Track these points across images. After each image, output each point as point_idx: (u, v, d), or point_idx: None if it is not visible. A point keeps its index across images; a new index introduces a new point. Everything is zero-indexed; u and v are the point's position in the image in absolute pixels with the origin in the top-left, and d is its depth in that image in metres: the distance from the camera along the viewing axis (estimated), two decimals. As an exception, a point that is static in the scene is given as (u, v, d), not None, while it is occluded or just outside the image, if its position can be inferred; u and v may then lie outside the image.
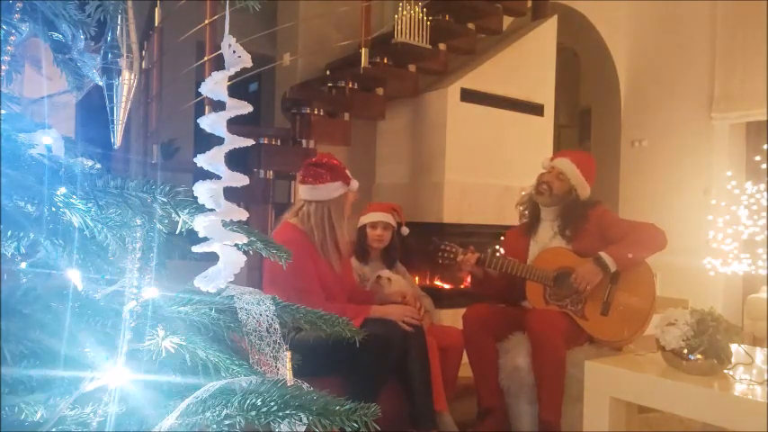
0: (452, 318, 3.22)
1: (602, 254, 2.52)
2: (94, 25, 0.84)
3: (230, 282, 0.80)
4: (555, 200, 2.73)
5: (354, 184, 2.40)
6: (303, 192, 2.36)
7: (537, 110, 4.40)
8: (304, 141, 3.58)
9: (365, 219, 2.86)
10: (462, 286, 3.66)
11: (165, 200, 0.72)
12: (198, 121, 0.81)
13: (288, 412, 0.64)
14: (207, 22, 3.32)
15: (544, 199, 2.74)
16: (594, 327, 2.57)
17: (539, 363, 2.49)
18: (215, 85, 0.79)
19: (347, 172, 2.39)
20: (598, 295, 2.57)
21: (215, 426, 0.66)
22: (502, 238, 3.17)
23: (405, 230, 2.90)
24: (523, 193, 2.89)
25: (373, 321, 2.28)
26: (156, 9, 3.54)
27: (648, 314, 2.54)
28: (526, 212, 2.86)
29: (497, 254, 2.97)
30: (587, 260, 2.55)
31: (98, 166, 0.83)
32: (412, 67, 4.00)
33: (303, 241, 2.31)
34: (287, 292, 2.11)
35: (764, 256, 4.63)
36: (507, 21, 4.56)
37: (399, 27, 3.72)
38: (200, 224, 0.75)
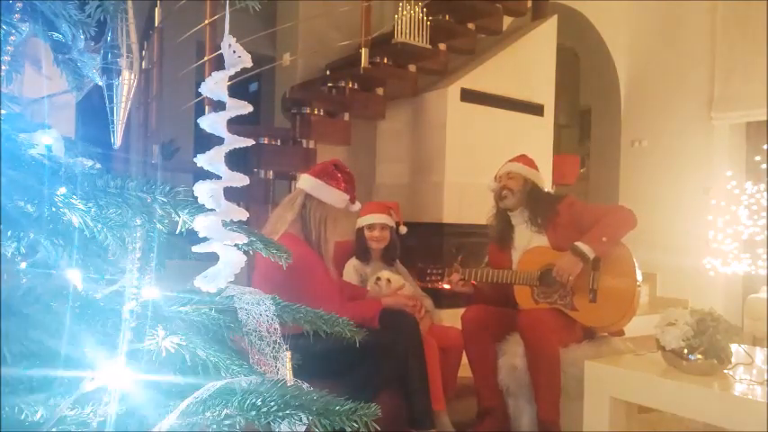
0: (452, 318, 3.22)
1: (578, 243, 2.54)
2: (94, 25, 0.84)
3: (230, 282, 0.80)
4: (518, 197, 2.77)
5: (357, 206, 2.42)
6: (313, 187, 2.34)
7: (537, 110, 4.40)
8: (304, 141, 3.58)
9: (362, 221, 2.85)
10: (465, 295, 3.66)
11: (165, 200, 0.72)
12: (198, 121, 0.81)
13: (288, 412, 0.64)
14: (207, 22, 3.32)
15: (510, 201, 2.78)
16: (587, 316, 2.59)
17: (533, 363, 2.49)
18: (215, 85, 0.79)
19: (355, 191, 2.41)
20: (584, 284, 2.58)
21: (215, 426, 0.66)
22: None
23: (403, 230, 2.90)
24: (490, 215, 2.92)
25: (384, 314, 2.34)
26: (156, 9, 3.54)
27: (635, 292, 2.56)
28: (497, 228, 2.88)
29: (485, 261, 3.00)
30: (565, 253, 2.56)
31: (98, 166, 0.83)
32: (412, 67, 4.00)
33: (311, 254, 2.28)
34: (310, 304, 2.15)
35: (764, 256, 4.63)
36: (507, 21, 4.56)
37: (399, 27, 3.72)
38: (200, 224, 0.75)
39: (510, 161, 2.90)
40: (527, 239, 2.77)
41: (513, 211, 2.80)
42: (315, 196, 2.32)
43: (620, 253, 2.61)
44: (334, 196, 2.32)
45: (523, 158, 2.90)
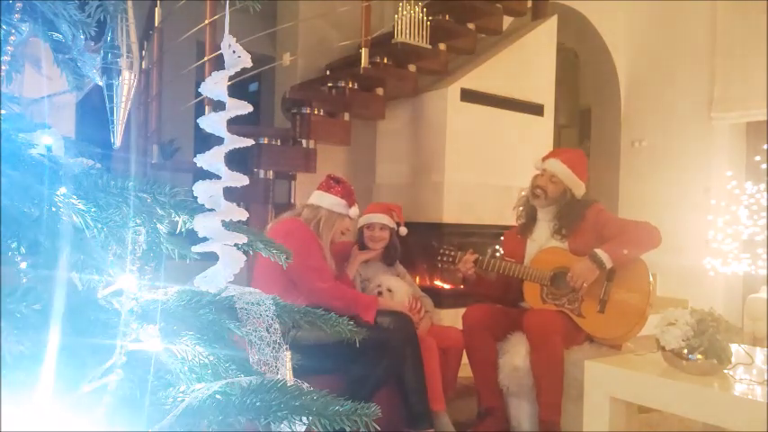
0: (452, 318, 3.23)
1: (598, 250, 2.52)
2: (94, 25, 0.84)
3: (230, 282, 0.80)
4: (550, 202, 2.74)
5: (354, 210, 2.59)
6: (312, 197, 2.60)
7: (537, 110, 4.39)
8: (304, 141, 3.58)
9: (362, 220, 2.86)
10: (462, 286, 3.66)
11: (164, 200, 0.72)
12: (198, 121, 0.81)
13: (288, 412, 0.64)
14: (207, 22, 3.32)
15: (540, 202, 2.75)
16: (592, 325, 2.57)
17: (537, 363, 2.49)
18: (215, 85, 0.79)
19: (355, 198, 2.62)
20: (595, 293, 2.57)
21: (215, 426, 0.66)
22: (502, 238, 3.18)
23: (403, 231, 2.90)
24: (522, 194, 2.89)
25: (381, 314, 2.44)
26: (156, 9, 3.54)
27: (645, 310, 2.54)
28: (523, 213, 2.86)
29: (496, 255, 2.97)
30: (583, 258, 2.55)
31: (98, 166, 0.83)
32: (412, 67, 4.00)
33: (308, 230, 2.48)
34: (299, 270, 2.35)
35: (764, 256, 4.63)
36: (507, 21, 4.56)
37: (399, 27, 3.71)
38: (200, 224, 0.75)
39: (561, 157, 2.76)
40: (546, 236, 2.75)
41: (541, 208, 2.78)
42: (312, 202, 2.56)
43: (637, 268, 2.58)
44: (327, 200, 2.53)
45: (576, 159, 2.77)
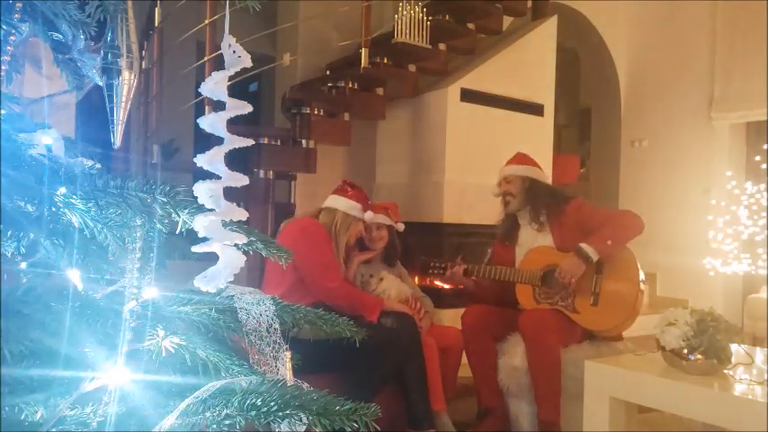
0: (452, 318, 3.22)
1: (583, 245, 2.53)
2: (94, 25, 0.84)
3: (230, 282, 0.80)
4: (520, 198, 2.78)
5: (369, 215, 2.64)
6: (328, 200, 2.65)
7: (537, 110, 4.39)
8: (304, 141, 3.57)
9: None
10: (462, 287, 3.66)
11: (165, 200, 0.72)
12: (198, 121, 0.81)
13: (288, 412, 0.64)
14: (207, 22, 3.32)
15: (514, 205, 2.79)
16: (587, 319, 2.58)
17: (534, 363, 2.49)
18: (215, 85, 0.79)
19: (368, 203, 2.69)
20: (586, 287, 2.57)
21: (215, 426, 0.66)
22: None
23: (400, 227, 2.91)
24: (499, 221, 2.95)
25: (385, 315, 2.47)
26: (156, 9, 3.54)
27: (637, 298, 2.55)
28: (505, 223, 2.90)
29: (486, 259, 3.00)
30: (569, 254, 2.56)
31: (98, 166, 0.83)
32: (412, 67, 4.00)
33: (322, 229, 2.53)
34: (309, 267, 2.40)
35: (764, 256, 4.63)
36: (507, 21, 4.56)
37: (399, 27, 3.71)
38: (200, 224, 0.74)
39: (506, 164, 2.90)
40: (532, 238, 2.77)
41: (519, 211, 2.82)
42: (328, 205, 2.62)
43: (624, 257, 2.60)
44: (343, 204, 2.59)
45: (518, 158, 2.90)
